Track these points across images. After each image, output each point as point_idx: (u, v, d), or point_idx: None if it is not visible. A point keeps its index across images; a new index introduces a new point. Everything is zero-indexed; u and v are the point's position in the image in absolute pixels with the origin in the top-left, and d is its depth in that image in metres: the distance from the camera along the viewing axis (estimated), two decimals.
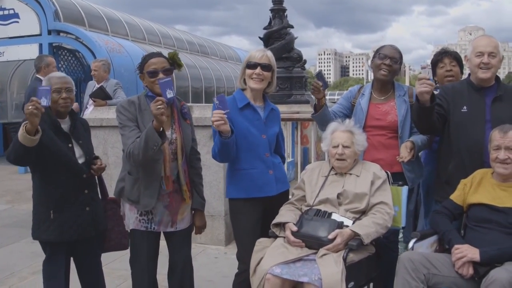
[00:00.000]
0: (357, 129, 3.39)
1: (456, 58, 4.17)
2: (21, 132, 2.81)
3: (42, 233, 3.19)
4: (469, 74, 3.41)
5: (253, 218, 3.25)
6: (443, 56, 4.18)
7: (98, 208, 3.33)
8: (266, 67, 3.23)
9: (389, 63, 3.56)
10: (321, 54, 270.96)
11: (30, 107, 2.73)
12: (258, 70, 3.20)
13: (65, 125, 3.25)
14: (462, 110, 3.31)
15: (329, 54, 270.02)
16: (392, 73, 3.60)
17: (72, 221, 3.18)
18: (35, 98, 2.77)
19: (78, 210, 3.20)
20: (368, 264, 3.08)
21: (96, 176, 3.38)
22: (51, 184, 3.16)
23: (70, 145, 3.21)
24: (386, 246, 3.37)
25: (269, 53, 3.28)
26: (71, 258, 3.42)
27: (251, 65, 3.22)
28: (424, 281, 2.80)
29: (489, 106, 3.27)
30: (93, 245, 3.38)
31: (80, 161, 3.23)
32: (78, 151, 3.24)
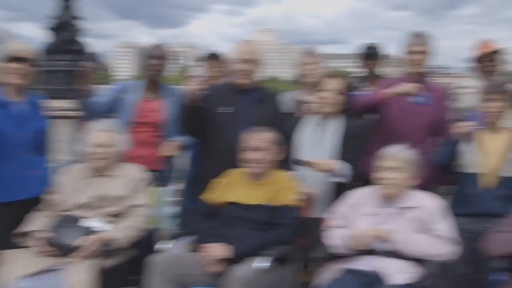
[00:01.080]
0: (117, 129, 3.31)
1: (218, 59, 4.43)
2: None
3: None
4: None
5: (8, 223, 2.98)
6: (208, 59, 4.37)
7: None
8: (26, 61, 3.02)
9: (157, 63, 3.66)
10: (119, 47, 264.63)
11: None
12: (18, 64, 2.99)
13: None
14: (219, 111, 3.44)
15: (128, 47, 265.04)
16: (159, 72, 3.68)
17: None
18: None
19: None
20: (129, 268, 3.04)
21: None
22: None
23: None
24: (146, 248, 3.36)
25: (28, 45, 3.09)
26: None
27: (9, 59, 2.99)
28: (175, 282, 2.80)
29: (247, 107, 3.45)
30: None
31: None
32: None
